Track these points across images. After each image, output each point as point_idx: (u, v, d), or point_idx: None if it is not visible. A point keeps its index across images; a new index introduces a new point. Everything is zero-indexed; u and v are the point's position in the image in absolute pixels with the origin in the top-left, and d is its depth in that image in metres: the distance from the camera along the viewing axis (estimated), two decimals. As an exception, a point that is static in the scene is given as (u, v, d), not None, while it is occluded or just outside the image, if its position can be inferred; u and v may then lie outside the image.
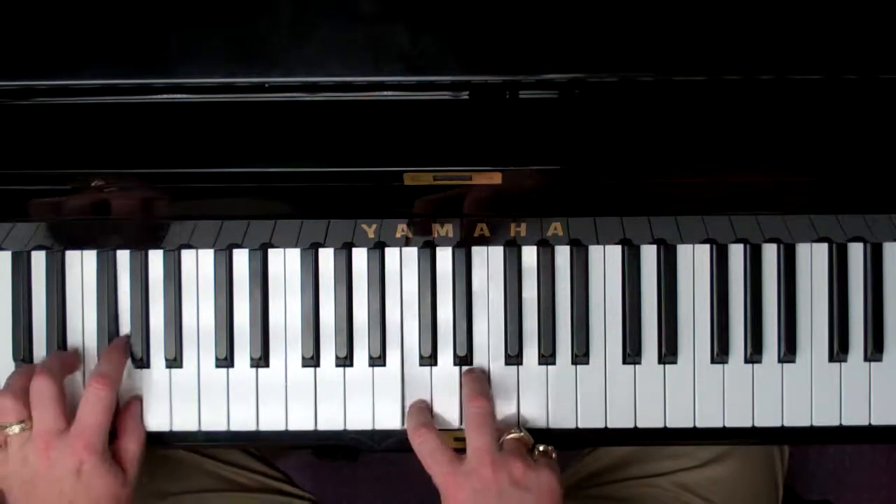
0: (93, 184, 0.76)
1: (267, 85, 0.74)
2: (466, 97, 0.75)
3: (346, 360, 0.82)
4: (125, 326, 0.83)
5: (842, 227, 0.81)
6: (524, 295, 0.82)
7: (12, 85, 0.74)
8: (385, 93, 0.75)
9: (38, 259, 0.83)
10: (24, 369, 0.80)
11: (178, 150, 0.75)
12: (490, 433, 0.77)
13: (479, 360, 0.83)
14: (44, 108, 0.75)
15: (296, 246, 0.82)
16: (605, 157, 0.75)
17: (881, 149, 0.75)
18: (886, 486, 1.59)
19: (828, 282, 0.83)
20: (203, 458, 0.93)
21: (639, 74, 0.74)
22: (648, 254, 0.83)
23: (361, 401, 0.82)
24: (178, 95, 0.75)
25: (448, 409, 0.83)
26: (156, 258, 0.83)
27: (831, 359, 0.83)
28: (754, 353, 0.82)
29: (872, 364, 0.83)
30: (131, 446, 0.80)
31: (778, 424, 0.82)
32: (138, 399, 0.82)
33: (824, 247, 0.83)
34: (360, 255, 0.82)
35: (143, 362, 0.82)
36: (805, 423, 0.82)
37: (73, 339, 0.83)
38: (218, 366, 0.82)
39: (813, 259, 0.83)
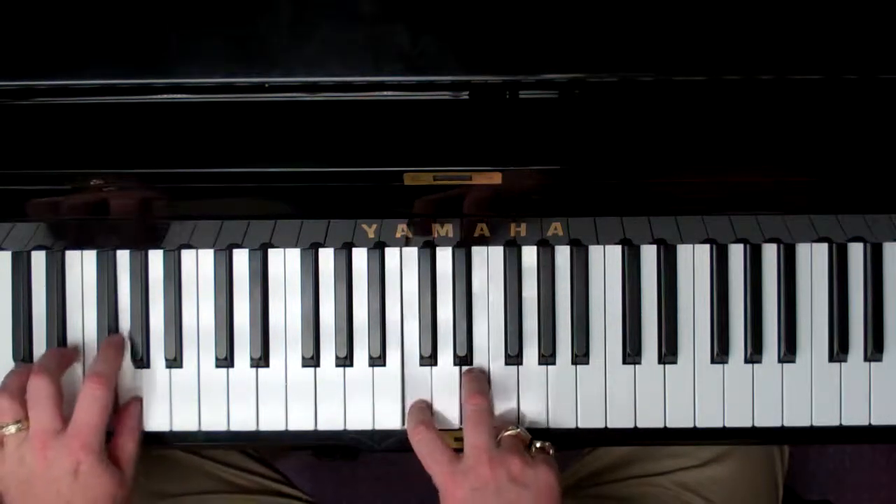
0: (92, 184, 0.76)
1: (267, 85, 0.74)
2: (466, 97, 0.75)
3: (346, 360, 0.82)
4: (125, 326, 0.82)
5: (842, 227, 0.81)
6: (524, 295, 0.82)
7: (12, 85, 0.74)
8: (385, 93, 0.75)
9: (38, 259, 0.83)
10: (21, 368, 0.80)
11: (178, 150, 0.75)
12: (487, 431, 0.77)
13: (479, 360, 0.83)
14: (44, 108, 0.75)
15: (296, 246, 0.82)
16: (605, 157, 0.75)
17: (881, 149, 0.75)
18: (886, 486, 1.59)
19: (828, 282, 0.83)
20: (202, 460, 0.93)
21: (639, 74, 0.74)
22: (648, 254, 0.83)
23: (361, 401, 0.82)
24: (178, 95, 0.75)
25: (448, 409, 0.83)
26: (156, 258, 0.82)
27: (831, 359, 0.83)
28: (754, 353, 0.82)
29: (872, 364, 0.83)
30: (128, 446, 0.80)
31: (778, 424, 0.82)
32: (138, 399, 0.82)
33: (824, 247, 0.83)
34: (360, 255, 0.82)
35: (144, 362, 0.82)
36: (805, 423, 0.82)
37: (73, 339, 0.83)
38: (218, 366, 0.82)
39: (813, 259, 0.83)
